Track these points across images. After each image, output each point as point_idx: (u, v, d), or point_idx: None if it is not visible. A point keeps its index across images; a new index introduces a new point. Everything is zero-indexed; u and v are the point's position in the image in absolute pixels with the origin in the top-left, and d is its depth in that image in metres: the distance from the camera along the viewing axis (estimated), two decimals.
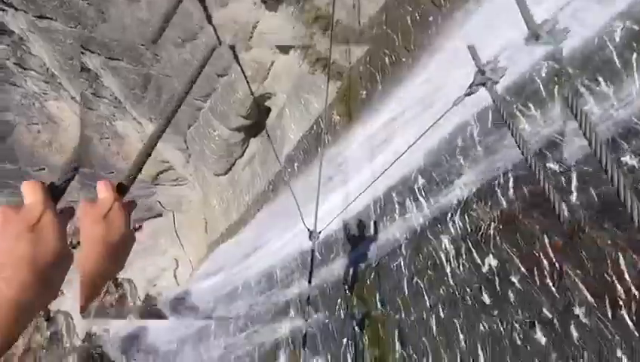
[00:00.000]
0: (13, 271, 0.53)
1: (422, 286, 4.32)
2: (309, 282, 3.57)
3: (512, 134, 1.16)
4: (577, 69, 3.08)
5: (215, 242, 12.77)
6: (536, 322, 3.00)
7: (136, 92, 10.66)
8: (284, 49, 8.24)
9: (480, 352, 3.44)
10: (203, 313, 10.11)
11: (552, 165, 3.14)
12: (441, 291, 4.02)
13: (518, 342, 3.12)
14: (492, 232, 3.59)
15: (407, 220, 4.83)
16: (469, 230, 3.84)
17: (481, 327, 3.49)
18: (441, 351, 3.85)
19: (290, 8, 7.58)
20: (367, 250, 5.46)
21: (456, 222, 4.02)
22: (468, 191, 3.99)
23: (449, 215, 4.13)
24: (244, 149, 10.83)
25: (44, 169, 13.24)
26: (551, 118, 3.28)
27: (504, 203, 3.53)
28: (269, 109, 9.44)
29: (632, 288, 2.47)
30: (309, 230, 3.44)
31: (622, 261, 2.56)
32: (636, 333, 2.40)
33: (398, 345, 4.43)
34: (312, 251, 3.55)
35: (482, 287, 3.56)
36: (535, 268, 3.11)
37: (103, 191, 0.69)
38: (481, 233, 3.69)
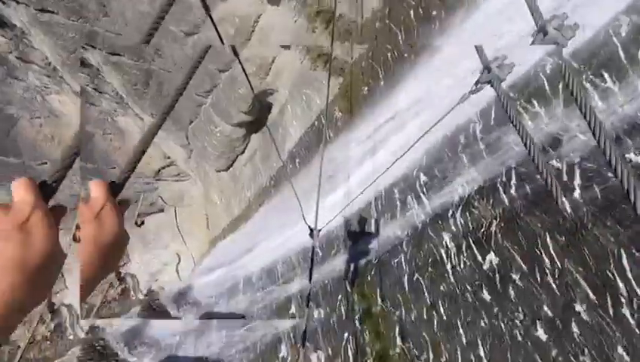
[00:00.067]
0: (2, 272, 0.52)
1: (422, 282, 4.33)
2: (310, 280, 3.58)
3: (517, 130, 1.15)
4: (582, 64, 3.04)
5: (217, 237, 12.83)
6: (536, 319, 3.01)
7: (138, 88, 10.64)
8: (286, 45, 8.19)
9: (480, 348, 3.46)
10: (205, 308, 10.20)
11: (555, 163, 3.12)
12: (442, 288, 4.03)
13: (519, 338, 3.13)
14: (493, 230, 3.58)
15: (408, 217, 4.82)
16: (471, 227, 3.83)
17: (482, 323, 3.50)
18: (442, 346, 3.87)
19: (292, 2, 7.52)
20: (368, 247, 5.47)
21: (458, 219, 4.02)
22: (470, 189, 3.98)
23: (450, 212, 4.13)
24: (245, 145, 10.82)
25: (46, 163, 13.30)
26: (555, 114, 3.25)
27: (506, 201, 3.52)
28: (270, 105, 9.41)
29: (634, 285, 2.46)
30: (309, 227, 3.44)
31: (624, 258, 2.55)
32: (637, 330, 2.40)
33: (398, 340, 4.46)
34: (313, 248, 3.55)
35: (483, 284, 3.57)
36: (536, 265, 3.11)
37: (95, 190, 0.68)
38: (482, 230, 3.69)
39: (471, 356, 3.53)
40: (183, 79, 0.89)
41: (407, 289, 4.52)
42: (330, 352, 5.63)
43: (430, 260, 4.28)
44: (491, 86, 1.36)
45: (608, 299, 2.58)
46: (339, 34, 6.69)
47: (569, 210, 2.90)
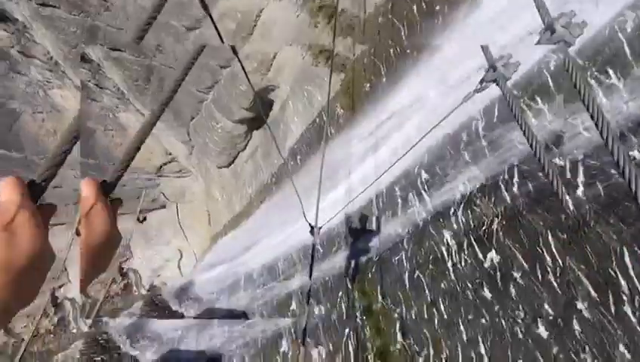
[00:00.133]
0: None
1: (423, 280, 4.34)
2: (310, 277, 3.58)
3: (521, 129, 1.13)
4: (586, 60, 3.01)
5: (218, 234, 12.87)
6: (537, 317, 3.00)
7: (139, 83, 10.62)
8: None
9: (481, 345, 3.47)
10: (206, 304, 10.26)
11: (558, 160, 3.10)
12: (442, 285, 4.03)
13: (520, 336, 3.13)
14: (495, 228, 3.57)
15: (409, 214, 4.82)
16: (472, 225, 3.82)
17: (483, 321, 3.50)
18: (442, 342, 3.88)
19: None
20: (369, 244, 5.47)
21: (459, 217, 4.00)
22: (472, 187, 3.96)
23: (452, 210, 4.11)
24: (246, 142, 10.81)
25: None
26: (559, 112, 3.22)
27: (508, 199, 3.50)
28: (271, 102, 9.37)
29: (637, 283, 2.45)
30: (310, 225, 3.44)
31: (626, 256, 2.54)
32: (639, 328, 2.40)
33: (399, 336, 4.47)
34: (313, 246, 3.55)
35: (484, 282, 3.57)
36: (537, 264, 3.10)
37: (85, 190, 0.67)
38: (483, 228, 3.68)
39: (471, 353, 3.54)
40: (177, 78, 0.88)
41: (407, 286, 4.53)
42: (331, 347, 5.66)
43: (431, 258, 4.28)
44: (497, 85, 1.34)
45: (610, 296, 2.58)
46: (341, 29, 6.63)
47: (572, 207, 2.89)
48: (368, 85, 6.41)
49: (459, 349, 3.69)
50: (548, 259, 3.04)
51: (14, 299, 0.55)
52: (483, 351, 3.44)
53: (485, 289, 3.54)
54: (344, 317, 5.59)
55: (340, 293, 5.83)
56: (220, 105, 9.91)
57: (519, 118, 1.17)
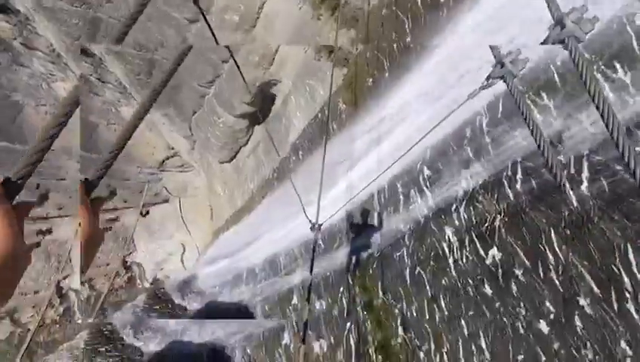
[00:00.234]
0: None
1: (424, 276, 4.34)
2: (311, 273, 3.60)
3: (528, 126, 1.12)
4: (593, 54, 2.95)
5: (220, 228, 12.94)
6: (538, 314, 3.01)
7: (141, 77, 10.59)
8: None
9: (482, 340, 3.48)
10: (208, 297, 10.37)
11: (563, 156, 3.06)
12: (444, 282, 4.04)
13: (521, 331, 3.14)
14: (497, 224, 3.56)
15: (411, 211, 4.81)
16: (474, 222, 3.81)
17: (483, 316, 3.51)
18: (443, 337, 3.90)
19: None
20: (370, 240, 5.48)
21: (461, 213, 3.99)
22: (474, 183, 3.94)
23: (454, 206, 4.10)
24: (248, 137, 10.79)
25: (52, 150, 13.39)
26: (564, 107, 3.18)
27: (511, 195, 3.48)
28: (274, 96, 9.32)
29: None
30: (311, 222, 3.44)
31: (630, 252, 2.53)
32: None
33: (400, 330, 4.50)
34: (314, 242, 3.56)
35: (485, 279, 3.57)
36: (540, 261, 3.09)
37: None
38: (486, 225, 3.66)
39: (472, 347, 3.56)
40: (162, 78, 0.87)
41: (408, 282, 4.54)
42: (332, 341, 5.72)
43: (432, 254, 4.28)
44: (504, 82, 1.32)
45: (613, 293, 2.57)
46: (345, 21, 6.55)
47: (575, 203, 2.86)
48: (371, 80, 6.35)
49: (460, 343, 3.70)
50: (550, 256, 3.03)
51: None
52: (484, 345, 3.45)
53: (486, 286, 3.54)
54: (345, 312, 5.63)
55: (341, 288, 5.86)
56: (222, 99, 9.87)
57: (526, 114, 1.16)
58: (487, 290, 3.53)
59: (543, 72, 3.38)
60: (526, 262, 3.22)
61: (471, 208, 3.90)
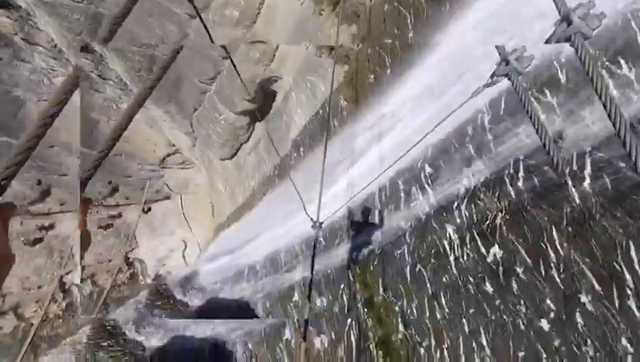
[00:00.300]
0: None
1: (424, 273, 4.35)
2: (312, 272, 3.61)
3: (532, 123, 1.11)
4: (597, 50, 2.92)
5: (221, 225, 12.98)
6: (539, 312, 3.01)
7: (142, 74, 10.56)
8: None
9: (483, 336, 3.50)
10: (210, 293, 10.43)
11: (565, 153, 3.05)
12: (444, 279, 4.05)
13: (522, 327, 3.15)
14: (498, 222, 3.55)
15: (412, 208, 4.80)
16: (475, 219, 3.80)
17: (484, 314, 3.52)
18: (444, 333, 3.92)
19: None
20: (371, 237, 5.49)
21: (463, 211, 3.98)
22: (476, 181, 3.92)
23: (455, 204, 4.09)
24: (249, 134, 10.78)
25: (53, 146, 13.43)
26: (567, 103, 3.16)
27: (512, 193, 3.47)
28: (274, 93, 9.30)
29: None
30: (312, 220, 3.45)
31: (632, 250, 2.52)
32: None
33: (401, 326, 4.53)
34: (315, 240, 3.56)
35: (486, 277, 3.57)
36: (541, 259, 3.09)
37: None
38: (487, 223, 3.66)
39: (473, 344, 3.58)
40: (153, 79, 0.87)
41: (409, 279, 4.56)
42: (333, 336, 5.75)
43: (433, 252, 4.28)
44: (509, 79, 1.30)
45: (614, 290, 2.57)
46: (346, 16, 6.51)
47: (577, 200, 2.86)
48: (373, 77, 6.32)
49: (460, 340, 3.72)
50: (551, 254, 3.03)
51: None
52: (485, 342, 3.47)
53: (487, 283, 3.54)
54: (346, 308, 5.66)
55: (342, 285, 5.89)
56: (223, 96, 9.85)
57: (531, 113, 1.15)
58: (488, 288, 3.53)
59: (547, 69, 3.35)
60: (527, 259, 3.22)
61: (472, 206, 3.89)
